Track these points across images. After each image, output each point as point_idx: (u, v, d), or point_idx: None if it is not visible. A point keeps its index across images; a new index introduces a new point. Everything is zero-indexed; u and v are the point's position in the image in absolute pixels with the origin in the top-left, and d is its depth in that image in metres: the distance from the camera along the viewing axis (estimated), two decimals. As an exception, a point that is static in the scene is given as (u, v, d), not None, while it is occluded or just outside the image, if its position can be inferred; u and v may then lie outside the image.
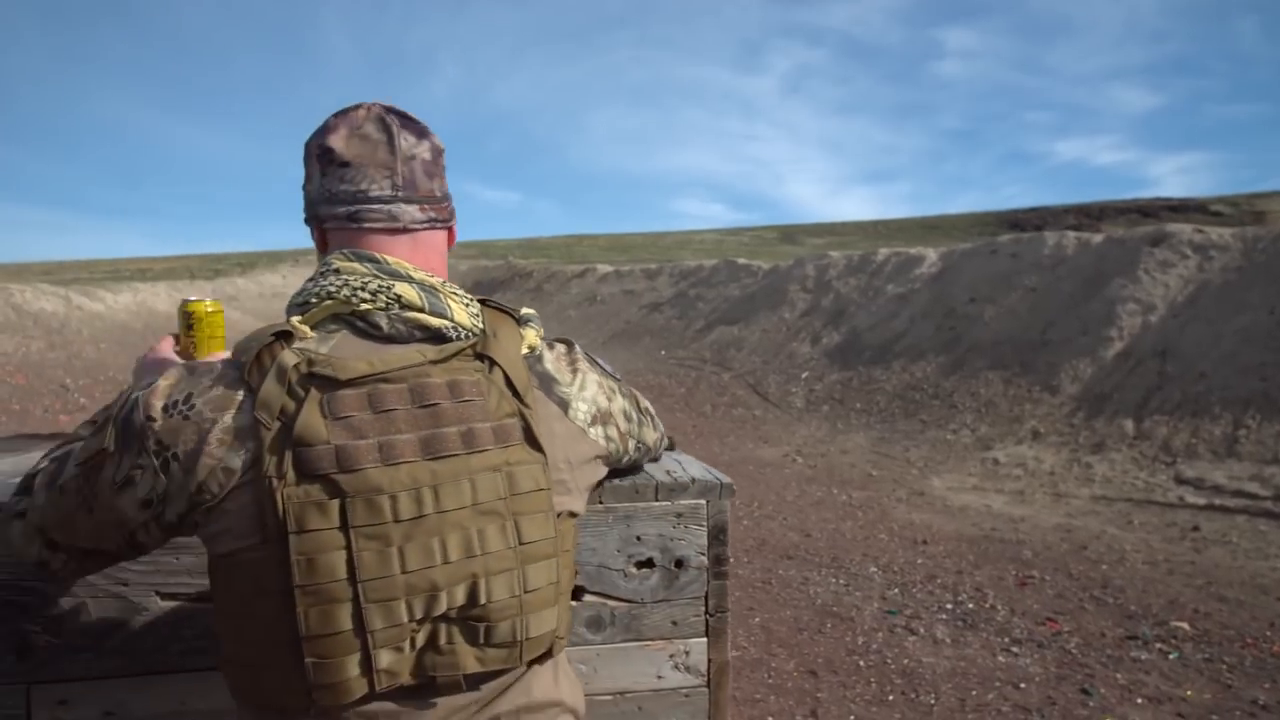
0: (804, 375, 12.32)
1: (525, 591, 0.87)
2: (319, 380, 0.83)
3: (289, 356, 0.84)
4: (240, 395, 0.85)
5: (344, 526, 0.80)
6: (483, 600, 0.85)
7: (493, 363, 0.91)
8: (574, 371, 1.00)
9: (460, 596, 0.84)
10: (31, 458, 1.74)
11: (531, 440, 0.90)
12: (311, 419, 0.81)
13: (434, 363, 0.87)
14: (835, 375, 12.05)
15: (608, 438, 1.01)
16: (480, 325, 0.93)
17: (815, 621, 4.16)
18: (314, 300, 0.91)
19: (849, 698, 3.39)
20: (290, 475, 0.80)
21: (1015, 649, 3.83)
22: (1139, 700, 3.31)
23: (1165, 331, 8.66)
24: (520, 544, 0.87)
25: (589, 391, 1.00)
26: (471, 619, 0.86)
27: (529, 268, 40.51)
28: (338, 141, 0.94)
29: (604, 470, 1.04)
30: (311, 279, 0.94)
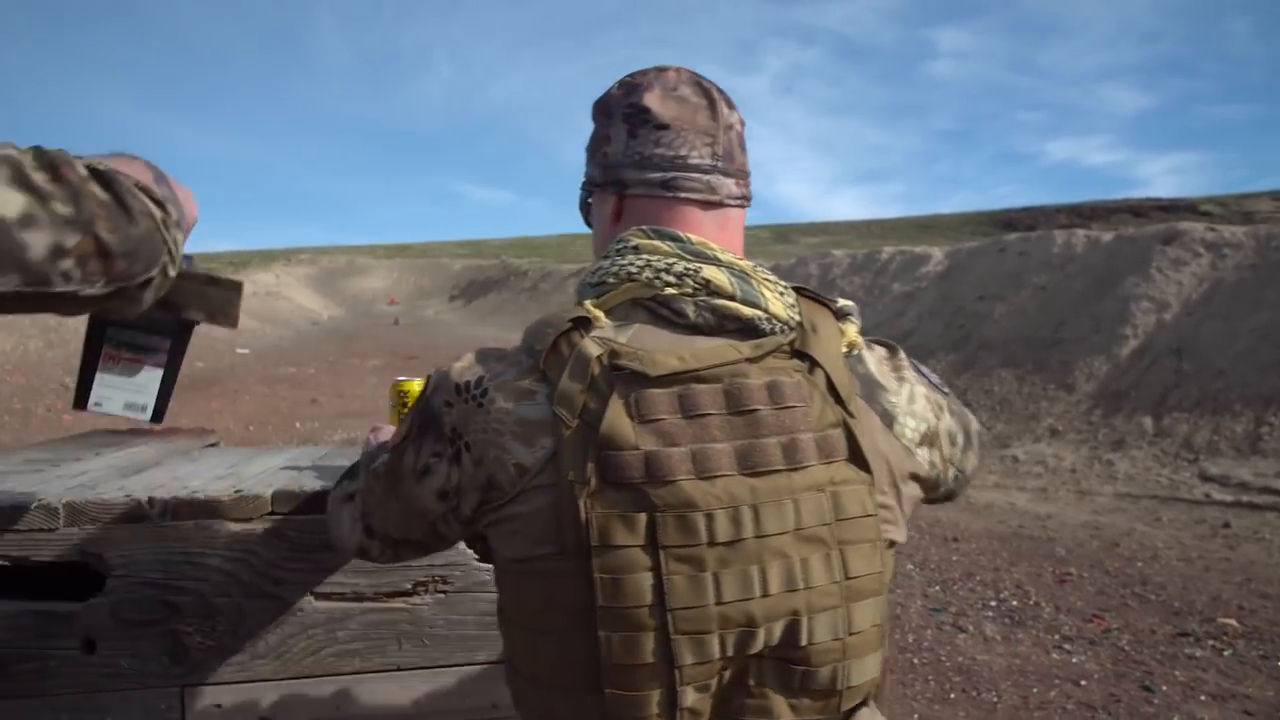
0: (812, 373, 12.30)
1: (850, 633, 0.76)
2: (625, 375, 0.74)
3: (591, 346, 0.76)
4: (535, 385, 0.77)
5: (651, 545, 0.71)
6: (803, 641, 0.74)
7: (813, 362, 0.79)
8: (900, 380, 0.87)
9: (777, 634, 0.74)
10: (140, 451, 1.68)
11: (857, 456, 0.78)
12: (618, 420, 0.73)
13: (750, 360, 0.77)
14: (844, 373, 12.04)
15: (931, 462, 0.88)
16: (797, 317, 0.82)
17: (862, 620, 4.14)
18: (611, 281, 0.81)
19: (909, 695, 3.36)
20: (594, 482, 0.72)
21: (1067, 646, 3.81)
22: (1202, 697, 3.29)
23: (1180, 329, 8.68)
24: (846, 578, 0.76)
25: (918, 405, 0.87)
26: (788, 660, 0.75)
27: (524, 266, 40.43)
28: (654, 101, 0.85)
29: (921, 497, 0.90)
30: (606, 257, 0.84)
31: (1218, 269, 9.14)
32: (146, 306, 0.81)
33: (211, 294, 0.98)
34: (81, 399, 1.01)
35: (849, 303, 0.87)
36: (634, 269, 0.80)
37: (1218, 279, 9.01)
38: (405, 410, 1.41)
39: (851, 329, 0.85)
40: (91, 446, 1.76)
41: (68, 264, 0.68)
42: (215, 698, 1.22)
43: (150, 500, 1.20)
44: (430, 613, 1.27)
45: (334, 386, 13.25)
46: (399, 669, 1.27)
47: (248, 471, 1.43)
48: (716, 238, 0.85)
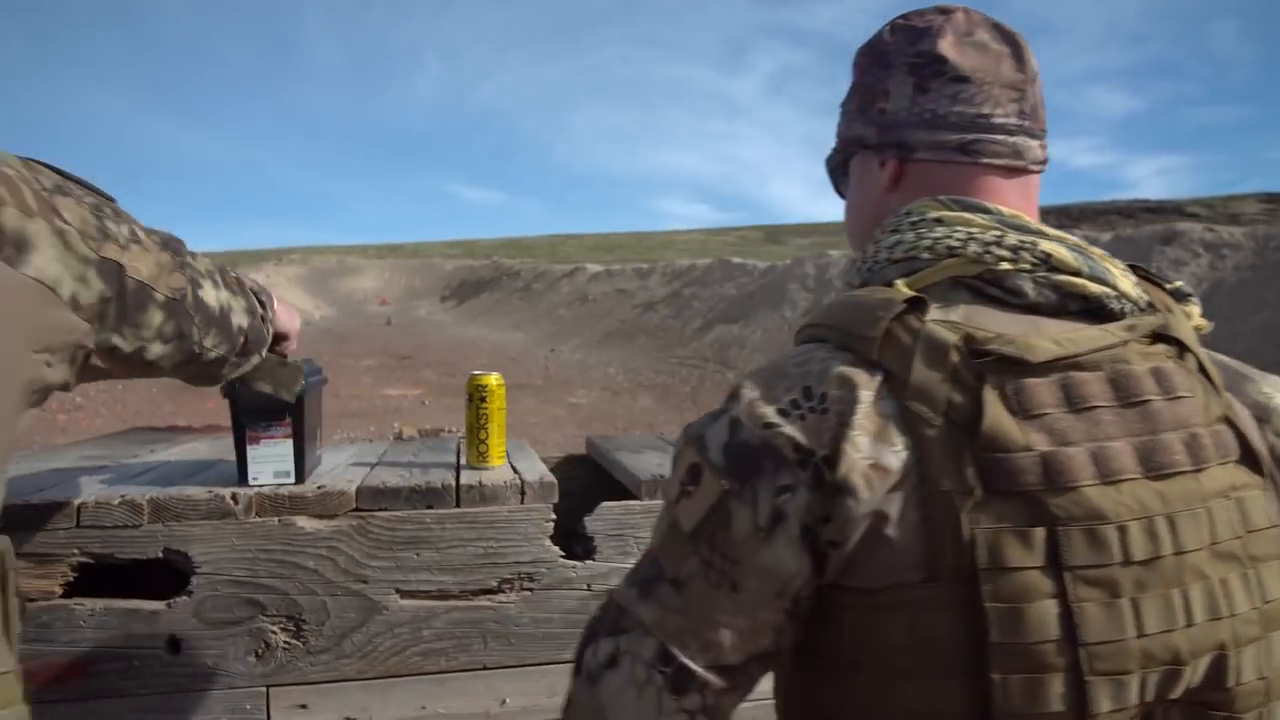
0: (811, 373, 12.32)
1: (1271, 669, 0.64)
2: (995, 364, 0.63)
3: (942, 332, 0.64)
4: (876, 377, 0.64)
5: (1053, 566, 0.59)
6: (1230, 681, 0.62)
7: (1183, 347, 0.68)
8: (1263, 375, 0.76)
9: (1201, 672, 0.62)
10: (194, 448, 1.65)
11: (1249, 456, 0.66)
12: (999, 416, 0.61)
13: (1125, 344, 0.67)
14: (843, 373, 12.07)
15: None
16: (1146, 296, 0.71)
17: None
18: (926, 256, 0.70)
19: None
20: (977, 491, 0.60)
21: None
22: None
23: (1181, 329, 8.76)
24: (1264, 602, 0.64)
25: None
26: (1207, 705, 0.63)
27: (516, 267, 40.27)
28: (949, 49, 0.73)
29: None
30: (896, 231, 0.73)
31: (1217, 269, 9.20)
32: (236, 377, 1.06)
33: (281, 372, 1.17)
34: (243, 476, 1.23)
35: (1183, 284, 0.77)
36: (955, 243, 0.69)
37: (1218, 279, 9.08)
38: (484, 404, 1.37)
39: (1196, 311, 0.74)
40: (142, 443, 1.73)
41: (241, 339, 0.96)
42: (300, 698, 1.19)
43: (234, 496, 1.18)
44: (516, 611, 1.25)
45: (330, 387, 13.13)
46: (484, 668, 1.25)
47: (318, 468, 1.40)
48: (1022, 209, 0.73)
